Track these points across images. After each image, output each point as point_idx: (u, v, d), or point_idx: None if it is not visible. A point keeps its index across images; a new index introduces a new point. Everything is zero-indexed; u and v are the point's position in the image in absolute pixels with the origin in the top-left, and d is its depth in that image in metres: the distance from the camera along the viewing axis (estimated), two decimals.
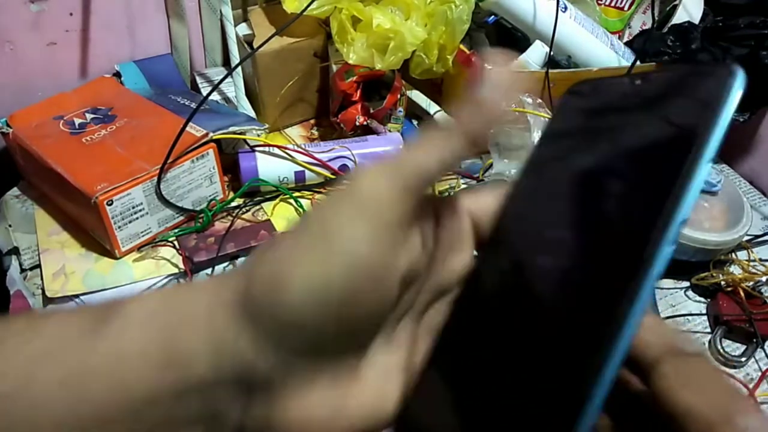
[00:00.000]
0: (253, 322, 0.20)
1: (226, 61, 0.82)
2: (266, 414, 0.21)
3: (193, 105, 0.65)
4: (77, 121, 0.65)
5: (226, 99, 0.76)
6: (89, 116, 0.66)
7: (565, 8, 0.74)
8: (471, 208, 0.24)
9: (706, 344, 0.59)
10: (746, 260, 0.66)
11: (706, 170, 0.18)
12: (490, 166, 0.75)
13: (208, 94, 0.62)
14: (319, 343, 0.20)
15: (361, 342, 0.22)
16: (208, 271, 0.61)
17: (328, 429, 0.21)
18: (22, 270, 0.60)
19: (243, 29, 0.76)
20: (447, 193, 0.73)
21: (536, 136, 0.67)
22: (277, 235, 0.22)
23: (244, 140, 0.68)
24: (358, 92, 0.71)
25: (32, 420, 0.19)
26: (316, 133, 0.80)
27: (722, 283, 0.62)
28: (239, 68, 0.71)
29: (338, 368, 0.21)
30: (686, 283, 0.65)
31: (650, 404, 0.19)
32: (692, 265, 0.64)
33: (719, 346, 0.58)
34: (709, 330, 0.61)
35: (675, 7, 0.79)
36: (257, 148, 0.68)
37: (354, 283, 0.19)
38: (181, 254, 0.61)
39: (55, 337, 0.20)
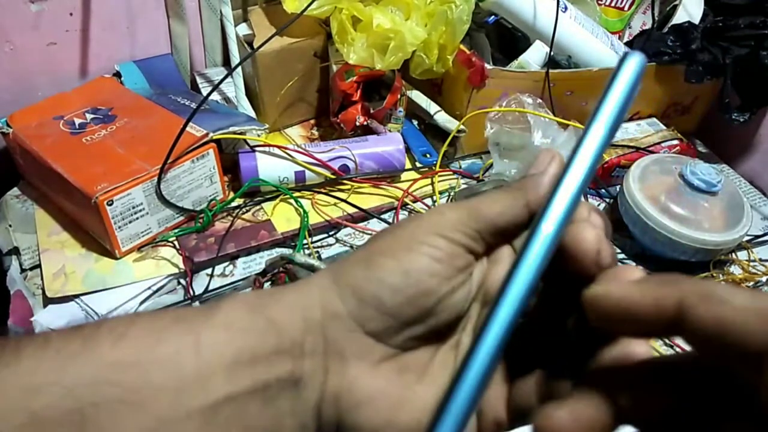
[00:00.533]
0: (341, 288, 0.24)
1: (226, 61, 0.82)
2: (339, 384, 0.24)
3: (193, 105, 0.65)
4: (77, 121, 0.65)
5: (226, 99, 0.76)
6: (89, 116, 0.66)
7: (566, 8, 0.74)
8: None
9: None
10: (746, 260, 0.66)
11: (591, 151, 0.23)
12: (490, 166, 0.75)
13: (208, 94, 0.62)
14: (392, 325, 0.24)
15: (428, 339, 0.26)
16: (208, 270, 0.61)
17: (391, 414, 0.24)
18: (22, 270, 0.60)
19: (243, 29, 0.76)
20: (448, 194, 0.73)
21: (536, 136, 0.67)
22: (377, 233, 0.28)
23: (244, 140, 0.68)
24: (358, 92, 0.71)
25: (161, 375, 0.22)
26: (316, 133, 0.80)
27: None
28: (239, 68, 0.71)
29: (407, 361, 0.25)
30: None
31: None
32: (692, 265, 0.64)
33: None
34: None
35: (675, 7, 0.79)
36: (257, 148, 0.68)
37: (428, 280, 0.24)
38: (181, 254, 0.61)
39: (173, 317, 0.24)
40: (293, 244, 0.65)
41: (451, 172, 0.75)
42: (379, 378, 0.24)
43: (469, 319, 0.27)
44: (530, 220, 0.26)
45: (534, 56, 0.73)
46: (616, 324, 0.21)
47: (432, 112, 0.75)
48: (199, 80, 0.79)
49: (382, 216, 0.69)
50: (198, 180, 0.63)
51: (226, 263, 0.63)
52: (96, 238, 0.61)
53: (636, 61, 0.23)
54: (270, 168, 0.67)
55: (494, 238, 0.26)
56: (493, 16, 0.77)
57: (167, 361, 0.22)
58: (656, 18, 0.78)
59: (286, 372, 0.23)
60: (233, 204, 0.67)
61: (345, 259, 0.26)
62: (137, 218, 0.59)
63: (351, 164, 0.69)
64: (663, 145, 0.79)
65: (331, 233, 0.67)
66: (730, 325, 0.17)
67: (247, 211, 0.67)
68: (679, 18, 0.77)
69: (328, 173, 0.69)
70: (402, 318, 0.24)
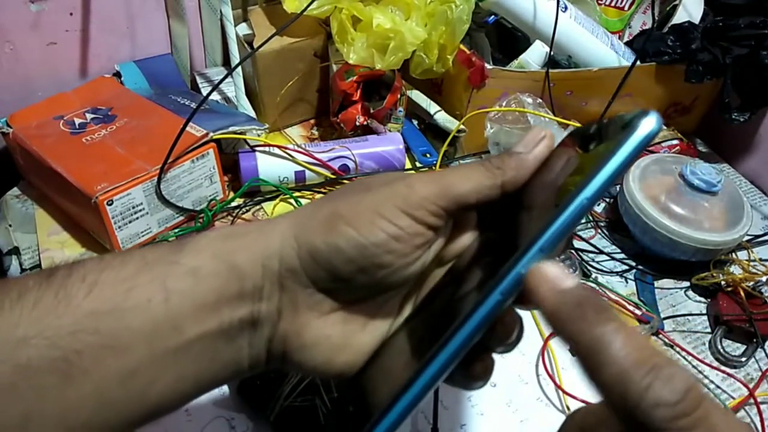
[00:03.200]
0: (301, 248, 0.25)
1: (226, 61, 0.82)
2: (289, 327, 0.26)
3: (193, 105, 0.65)
4: (77, 121, 0.65)
5: (226, 99, 0.76)
6: (89, 116, 0.66)
7: (566, 8, 0.74)
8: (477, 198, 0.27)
9: (706, 344, 0.59)
10: (746, 260, 0.66)
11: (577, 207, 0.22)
12: None
13: (208, 94, 0.62)
14: (343, 287, 0.26)
15: (376, 295, 0.27)
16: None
17: (330, 356, 0.27)
18: (23, 270, 0.60)
19: (243, 29, 0.76)
20: None
21: None
22: (345, 186, 0.28)
23: (244, 140, 0.68)
24: (358, 92, 0.71)
25: (136, 321, 0.23)
26: (316, 133, 0.80)
27: (722, 283, 0.62)
28: (239, 68, 0.71)
29: (354, 312, 0.27)
30: (686, 283, 0.65)
31: None
32: (692, 265, 0.64)
33: (719, 346, 0.58)
34: (709, 330, 0.61)
35: (675, 7, 0.78)
36: (257, 148, 0.68)
37: (384, 256, 0.25)
38: None
39: (140, 262, 0.25)
40: None
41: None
42: (326, 326, 0.27)
43: (419, 278, 0.28)
44: (501, 198, 0.26)
45: (534, 56, 0.73)
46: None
47: (432, 112, 0.75)
48: (199, 80, 0.79)
49: None
50: (198, 180, 0.63)
51: None
52: (96, 238, 0.61)
53: (653, 120, 0.22)
54: (270, 168, 0.67)
55: (460, 212, 0.27)
56: (493, 16, 0.77)
57: (140, 307, 0.23)
58: (656, 18, 0.78)
59: (247, 314, 0.25)
60: (233, 204, 0.67)
61: (310, 212, 0.27)
62: (137, 218, 0.59)
63: (351, 164, 0.69)
64: (663, 144, 0.79)
65: None
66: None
67: (247, 211, 0.67)
68: (679, 18, 0.77)
69: (328, 173, 0.69)
70: (353, 283, 0.26)
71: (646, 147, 0.22)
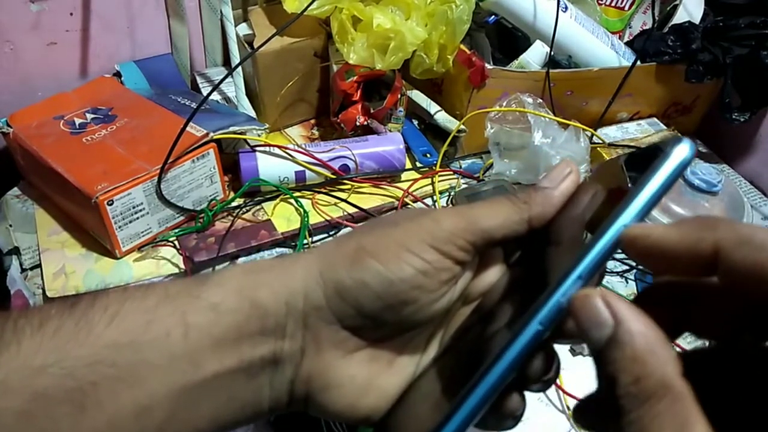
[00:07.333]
0: (326, 283, 0.25)
1: (226, 61, 0.82)
2: (312, 367, 0.25)
3: (194, 105, 0.65)
4: (77, 121, 0.65)
5: (227, 99, 0.76)
6: (89, 116, 0.66)
7: (566, 8, 0.74)
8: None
9: (706, 344, 0.59)
10: None
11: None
12: (491, 166, 0.75)
13: (209, 94, 0.62)
14: (369, 324, 0.25)
15: (401, 332, 0.27)
16: (209, 270, 0.61)
17: (355, 399, 0.26)
18: (23, 270, 0.60)
19: (243, 29, 0.76)
20: (448, 194, 0.73)
21: (537, 136, 0.67)
22: (369, 222, 0.28)
23: (245, 140, 0.68)
24: (359, 92, 0.71)
25: (154, 355, 0.23)
26: (316, 133, 0.80)
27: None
28: (239, 68, 0.71)
29: (379, 351, 0.27)
30: None
31: None
32: None
33: None
34: None
35: (675, 7, 0.78)
36: (257, 148, 0.68)
37: (410, 292, 0.24)
38: (181, 254, 0.61)
39: (162, 295, 0.24)
40: (293, 244, 0.65)
41: (451, 172, 0.75)
42: (350, 366, 0.26)
43: (445, 316, 0.28)
44: (529, 234, 0.26)
45: (534, 56, 0.73)
46: (652, 263, 0.21)
47: (432, 112, 0.75)
48: (199, 80, 0.79)
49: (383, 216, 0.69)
50: (198, 180, 0.63)
51: (227, 263, 0.63)
52: (96, 238, 0.61)
53: (686, 147, 0.21)
54: (270, 168, 0.67)
55: (487, 247, 0.26)
56: (493, 16, 0.77)
57: (158, 341, 0.23)
58: (656, 18, 0.78)
59: (269, 352, 0.25)
60: (233, 204, 0.67)
61: (335, 247, 0.26)
62: (137, 218, 0.59)
63: (351, 164, 0.69)
64: None
65: (331, 233, 0.67)
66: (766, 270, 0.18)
67: (248, 210, 0.67)
68: (679, 18, 0.77)
69: (328, 173, 0.69)
70: (379, 320, 0.25)
71: (681, 173, 0.21)
